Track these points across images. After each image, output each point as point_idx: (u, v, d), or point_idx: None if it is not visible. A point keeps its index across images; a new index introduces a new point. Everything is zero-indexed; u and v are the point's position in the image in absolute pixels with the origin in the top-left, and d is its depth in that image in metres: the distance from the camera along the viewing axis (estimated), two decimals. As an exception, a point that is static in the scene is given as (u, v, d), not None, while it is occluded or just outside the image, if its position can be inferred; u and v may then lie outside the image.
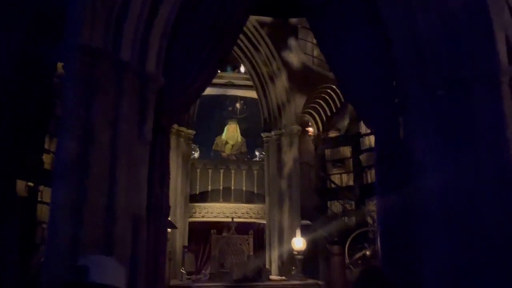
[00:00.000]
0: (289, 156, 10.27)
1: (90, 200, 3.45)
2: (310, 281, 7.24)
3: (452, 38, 4.33)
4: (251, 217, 10.43)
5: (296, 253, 7.58)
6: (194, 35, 4.74)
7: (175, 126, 9.91)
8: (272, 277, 7.58)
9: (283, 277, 7.72)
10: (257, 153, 12.10)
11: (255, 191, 10.88)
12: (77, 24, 3.58)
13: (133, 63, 4.00)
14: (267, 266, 9.53)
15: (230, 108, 14.03)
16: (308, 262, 9.63)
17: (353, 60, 5.02)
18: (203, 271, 7.54)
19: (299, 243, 7.59)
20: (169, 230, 7.96)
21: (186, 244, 9.52)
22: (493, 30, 4.08)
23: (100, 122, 3.63)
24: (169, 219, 8.13)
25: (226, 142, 11.88)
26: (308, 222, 10.21)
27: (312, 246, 10.03)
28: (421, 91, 4.48)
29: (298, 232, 7.73)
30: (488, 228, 3.87)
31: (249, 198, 10.79)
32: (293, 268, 7.65)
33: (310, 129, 12.61)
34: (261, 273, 6.96)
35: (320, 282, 7.31)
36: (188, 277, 7.22)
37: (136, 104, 4.04)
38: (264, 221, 10.37)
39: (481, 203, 3.93)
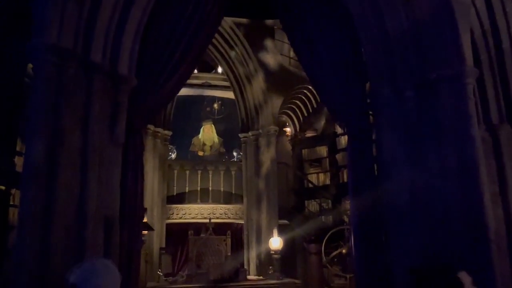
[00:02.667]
0: (267, 156, 10.32)
1: (59, 203, 3.41)
2: (286, 280, 7.30)
3: (419, 40, 4.45)
4: (229, 218, 10.44)
5: (273, 252, 7.63)
6: (167, 35, 4.74)
7: (151, 127, 9.86)
8: (249, 277, 7.61)
9: (261, 277, 7.76)
10: (235, 154, 12.12)
11: (233, 192, 10.89)
12: (45, 23, 3.53)
13: (104, 64, 3.97)
14: (245, 266, 9.56)
15: (208, 109, 14.03)
16: (287, 261, 9.70)
17: (326, 61, 5.11)
18: (179, 273, 7.50)
19: (276, 242, 7.65)
20: (145, 232, 7.93)
21: (164, 245, 9.48)
22: (459, 32, 4.20)
23: (70, 124, 3.59)
24: (145, 220, 8.11)
25: (204, 144, 11.86)
26: (285, 221, 10.29)
27: (290, 245, 10.12)
28: (390, 92, 4.58)
29: (275, 231, 7.77)
30: (453, 222, 3.99)
31: (227, 198, 10.80)
32: (270, 267, 7.69)
33: (288, 129, 12.71)
34: (238, 273, 6.98)
35: (297, 281, 7.38)
36: (165, 278, 7.19)
37: (108, 106, 4.01)
38: (242, 222, 10.39)
39: (445, 199, 4.05)
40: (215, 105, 14.10)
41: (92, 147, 3.76)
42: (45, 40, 3.52)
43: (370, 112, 4.99)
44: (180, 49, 4.73)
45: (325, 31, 5.10)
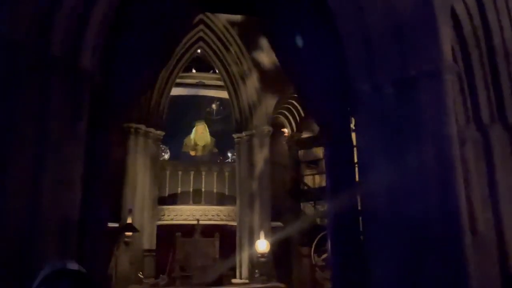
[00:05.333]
0: (260, 157, 10.15)
1: (9, 200, 3.26)
2: (271, 284, 7.09)
3: (399, 37, 4.26)
4: (222, 220, 10.28)
5: (260, 255, 7.43)
6: (137, 30, 4.58)
7: (142, 126, 9.76)
8: (234, 280, 7.44)
9: (246, 280, 7.57)
10: (229, 155, 11.96)
11: (227, 193, 10.73)
12: (-4, 14, 3.39)
13: (64, 58, 3.83)
14: (237, 269, 9.38)
15: (208, 109, 13.92)
16: (282, 264, 9.53)
17: (305, 57, 4.91)
18: (161, 275, 7.34)
19: (262, 245, 7.45)
20: (129, 233, 7.81)
21: (154, 247, 9.34)
22: (438, 28, 3.99)
23: (22, 119, 3.44)
24: (129, 221, 7.98)
25: (196, 143, 11.70)
26: (279, 224, 10.09)
27: (285, 248, 9.93)
28: (369, 88, 4.39)
29: (262, 234, 7.59)
30: (431, 221, 3.78)
31: (220, 200, 10.63)
32: (256, 271, 7.49)
33: (286, 130, 12.51)
34: (222, 277, 6.80)
35: (281, 285, 7.16)
36: (145, 281, 7.04)
37: (69, 101, 3.86)
38: (235, 223, 10.21)
39: (424, 201, 3.83)
40: (214, 106, 14.00)
41: (49, 142, 3.61)
42: (-4, 31, 3.38)
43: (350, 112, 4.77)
44: (151, 44, 4.58)
45: (305, 28, 4.91)
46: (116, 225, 8.42)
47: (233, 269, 8.86)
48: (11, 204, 3.27)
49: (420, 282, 3.86)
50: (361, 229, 4.42)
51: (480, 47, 5.72)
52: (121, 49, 4.47)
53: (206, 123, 12.49)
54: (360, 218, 4.44)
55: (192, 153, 11.78)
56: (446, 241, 3.67)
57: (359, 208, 4.45)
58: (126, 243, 7.53)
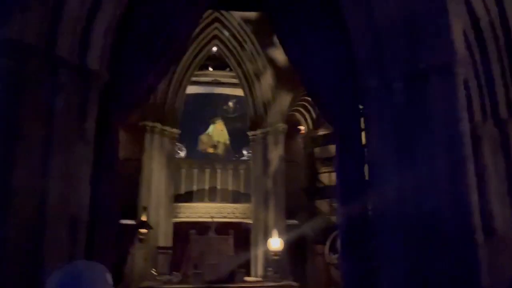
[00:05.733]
0: (275, 155, 10.09)
1: (16, 200, 3.31)
2: (283, 282, 7.05)
3: (409, 29, 4.13)
4: (237, 217, 10.28)
5: (272, 253, 7.40)
6: (146, 30, 4.60)
7: (158, 125, 9.83)
8: (247, 278, 7.42)
9: (259, 278, 7.55)
10: (245, 152, 11.94)
11: (242, 191, 10.72)
12: (5, 16, 3.44)
13: (72, 59, 3.87)
14: (252, 266, 9.38)
15: (225, 107, 13.94)
16: (298, 262, 9.48)
17: (314, 53, 4.84)
18: (174, 272, 7.39)
19: (275, 243, 7.41)
20: (144, 230, 7.89)
21: (170, 245, 9.42)
22: (450, 19, 3.86)
23: (30, 118, 3.49)
24: (144, 219, 8.06)
25: (218, 141, 11.73)
26: (295, 221, 10.04)
27: (300, 246, 9.87)
28: (379, 84, 4.29)
29: (274, 232, 7.55)
30: (441, 220, 3.68)
31: (236, 197, 10.64)
32: (269, 269, 7.47)
33: (302, 127, 12.41)
34: (234, 274, 6.80)
35: (294, 284, 7.12)
36: (159, 278, 7.09)
37: (76, 101, 3.91)
38: (250, 221, 10.19)
39: (435, 202, 3.72)
40: (230, 103, 13.99)
41: (57, 142, 3.66)
42: (5, 34, 3.44)
43: (361, 107, 4.68)
44: (159, 43, 4.58)
45: (315, 23, 4.83)
46: (132, 222, 8.54)
47: (247, 267, 8.85)
48: (18, 203, 3.32)
49: (430, 281, 3.76)
50: (371, 231, 4.33)
51: (498, 40, 5.53)
52: (129, 49, 4.49)
53: (223, 121, 12.52)
54: (370, 221, 4.35)
55: (210, 150, 11.81)
56: (458, 240, 3.56)
57: (369, 206, 4.35)
58: (141, 240, 7.61)
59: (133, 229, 8.14)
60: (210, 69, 12.48)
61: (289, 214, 9.93)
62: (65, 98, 3.77)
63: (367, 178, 4.46)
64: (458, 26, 3.91)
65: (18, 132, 3.40)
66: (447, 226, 3.63)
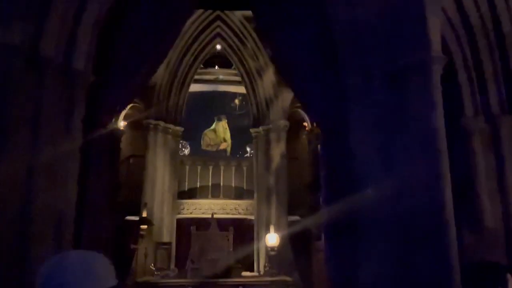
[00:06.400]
0: (277, 151, 10.16)
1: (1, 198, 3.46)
2: (278, 278, 7.12)
3: (389, 27, 4.15)
4: (239, 213, 10.37)
5: (269, 249, 7.48)
6: (134, 31, 4.71)
7: (161, 123, 9.98)
8: (244, 273, 7.51)
9: (255, 274, 7.64)
10: (248, 149, 12.02)
11: (245, 187, 10.81)
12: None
13: (58, 59, 4.01)
14: (255, 262, 9.48)
15: (232, 105, 14.02)
16: (301, 258, 9.52)
17: (298, 48, 4.88)
18: (171, 268, 7.53)
19: (272, 239, 7.49)
20: (144, 226, 8.05)
21: (174, 240, 9.60)
22: (426, 17, 3.87)
23: (14, 117, 3.64)
24: (145, 215, 8.23)
25: (224, 140, 11.84)
26: (297, 218, 10.08)
27: (304, 242, 9.91)
28: (361, 82, 4.31)
29: (272, 228, 7.64)
30: (418, 217, 3.71)
31: (239, 194, 10.73)
32: (266, 264, 7.55)
33: (306, 124, 12.42)
34: (230, 270, 6.90)
35: (288, 279, 7.18)
36: (156, 273, 7.25)
37: (63, 101, 4.05)
38: (252, 217, 10.28)
39: (411, 193, 3.76)
40: (236, 101, 14.07)
41: (42, 141, 3.80)
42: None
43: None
44: (147, 44, 4.70)
45: (297, 20, 4.87)
46: (136, 218, 8.73)
47: (250, 262, 8.96)
48: (4, 200, 3.47)
49: (411, 279, 3.80)
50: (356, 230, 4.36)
51: (489, 35, 5.49)
52: (116, 49, 4.61)
53: (229, 119, 12.62)
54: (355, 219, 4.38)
55: (214, 148, 11.93)
56: (433, 237, 3.57)
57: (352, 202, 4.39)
58: (141, 236, 7.77)
59: (137, 225, 8.31)
60: (217, 67, 12.59)
61: (292, 210, 9.99)
62: (50, 97, 3.90)
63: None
64: (436, 23, 3.91)
65: (3, 131, 3.54)
66: (422, 221, 3.65)
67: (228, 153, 11.91)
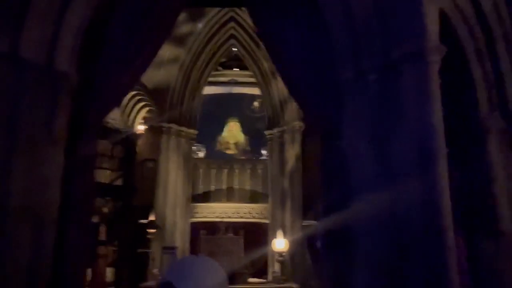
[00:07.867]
0: (292, 154, 9.89)
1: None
2: (285, 285, 6.85)
3: (383, 19, 3.85)
4: (254, 217, 10.15)
5: (277, 254, 7.21)
6: (121, 30, 4.60)
7: (174, 125, 9.91)
8: (251, 279, 7.28)
9: (263, 280, 7.38)
10: (263, 152, 11.79)
11: (260, 191, 10.59)
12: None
13: (39, 61, 3.92)
14: (269, 267, 9.22)
15: (251, 107, 13.86)
16: (315, 263, 9.20)
17: (294, 45, 4.64)
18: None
19: (280, 244, 7.22)
20: (153, 230, 7.97)
21: (187, 244, 9.50)
22: (421, 5, 3.54)
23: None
24: (152, 218, 8.14)
25: (227, 142, 11.68)
26: (313, 222, 9.75)
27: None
28: (354, 76, 4.02)
29: (279, 233, 7.36)
30: (412, 220, 3.39)
31: (254, 197, 10.52)
32: (274, 271, 7.29)
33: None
34: (235, 276, 6.68)
35: (294, 286, 6.89)
36: (160, 277, 7.13)
37: (44, 102, 3.95)
38: (267, 221, 10.04)
39: (404, 194, 3.44)
40: (256, 103, 13.89)
41: (21, 143, 3.72)
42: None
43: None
44: (134, 44, 4.57)
45: (293, 16, 4.63)
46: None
47: (258, 267, 8.72)
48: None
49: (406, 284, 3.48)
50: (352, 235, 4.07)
51: (505, 26, 5.05)
52: (103, 50, 4.50)
53: (248, 121, 12.45)
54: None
55: (229, 151, 11.79)
56: (426, 243, 3.25)
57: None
58: (149, 240, 7.69)
59: (145, 228, 8.26)
60: (235, 69, 12.47)
61: (308, 215, 9.68)
62: (31, 98, 3.82)
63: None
64: (433, 11, 3.58)
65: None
66: (416, 227, 3.33)
67: (238, 154, 11.72)
